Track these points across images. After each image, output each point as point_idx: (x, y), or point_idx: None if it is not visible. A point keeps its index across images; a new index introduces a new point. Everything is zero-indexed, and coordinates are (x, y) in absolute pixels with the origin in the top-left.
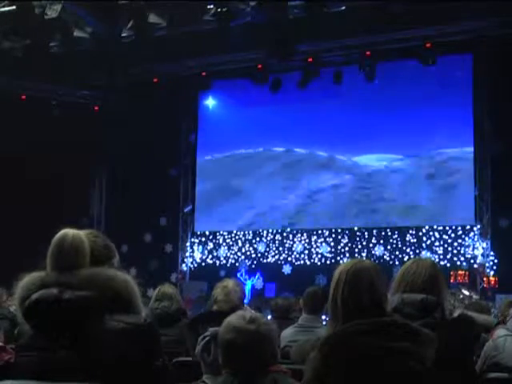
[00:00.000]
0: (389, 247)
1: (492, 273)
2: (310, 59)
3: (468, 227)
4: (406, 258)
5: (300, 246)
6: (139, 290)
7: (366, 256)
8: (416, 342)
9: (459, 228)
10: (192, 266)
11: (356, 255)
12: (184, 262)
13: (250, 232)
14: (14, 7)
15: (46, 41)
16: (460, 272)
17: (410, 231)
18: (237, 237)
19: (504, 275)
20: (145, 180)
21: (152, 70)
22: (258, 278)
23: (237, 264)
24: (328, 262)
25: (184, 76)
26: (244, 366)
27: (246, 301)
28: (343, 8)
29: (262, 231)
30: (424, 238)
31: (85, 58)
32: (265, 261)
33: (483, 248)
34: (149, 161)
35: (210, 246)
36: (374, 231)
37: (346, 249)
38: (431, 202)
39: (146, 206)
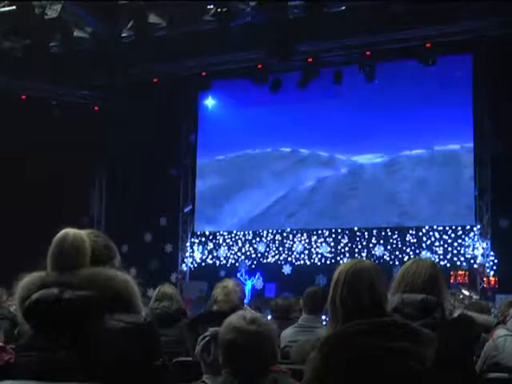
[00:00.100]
0: (389, 247)
1: (492, 273)
2: (310, 59)
3: (468, 227)
4: (406, 258)
5: (300, 246)
6: (139, 289)
7: (366, 256)
8: (416, 342)
9: (459, 228)
10: (192, 266)
11: (356, 255)
12: (184, 262)
13: (250, 232)
14: (13, 7)
15: (46, 41)
16: (460, 272)
17: (410, 231)
18: (237, 237)
19: (504, 275)
20: (145, 180)
21: (152, 70)
22: (258, 278)
23: (237, 264)
24: (328, 262)
25: (184, 76)
26: (244, 366)
27: (246, 301)
28: (343, 8)
29: (262, 231)
30: (424, 238)
31: (85, 58)
32: (265, 261)
33: (483, 248)
34: (149, 161)
35: (210, 246)
36: (374, 231)
37: (346, 249)
38: (431, 201)
39: (146, 205)
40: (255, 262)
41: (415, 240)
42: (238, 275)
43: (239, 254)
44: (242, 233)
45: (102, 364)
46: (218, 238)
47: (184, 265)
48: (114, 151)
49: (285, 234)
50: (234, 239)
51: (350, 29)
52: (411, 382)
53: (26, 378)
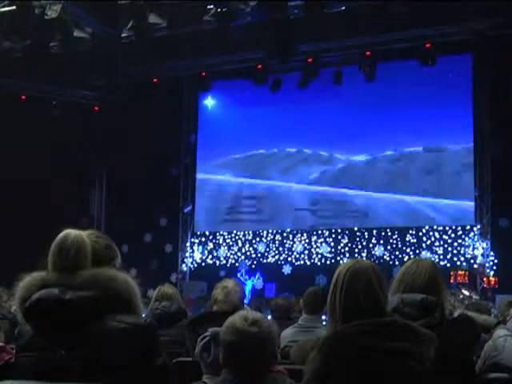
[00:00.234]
0: (389, 247)
1: (492, 273)
2: (309, 59)
3: (468, 227)
4: (406, 258)
5: (300, 246)
6: (140, 290)
7: (366, 256)
8: (416, 342)
9: (459, 228)
10: (192, 266)
11: (356, 255)
12: (184, 262)
13: (250, 232)
14: (14, 7)
15: (46, 41)
16: (460, 272)
17: (410, 231)
18: (237, 237)
19: (504, 275)
20: (145, 180)
21: (152, 70)
22: (258, 278)
23: (237, 264)
24: (328, 262)
25: (184, 76)
26: (244, 366)
27: (246, 301)
28: (343, 8)
29: (262, 231)
30: (424, 238)
31: (85, 58)
32: (265, 261)
33: (483, 248)
34: (149, 161)
35: (210, 246)
36: (374, 231)
37: (346, 249)
38: (431, 201)
39: (145, 205)
40: (255, 262)
41: (415, 240)
42: (238, 275)
43: (239, 254)
44: (242, 233)
45: (102, 364)
46: (217, 237)
47: (184, 265)
48: (113, 151)
49: (285, 234)
50: (233, 239)
51: (349, 29)
52: (411, 382)
53: (26, 378)
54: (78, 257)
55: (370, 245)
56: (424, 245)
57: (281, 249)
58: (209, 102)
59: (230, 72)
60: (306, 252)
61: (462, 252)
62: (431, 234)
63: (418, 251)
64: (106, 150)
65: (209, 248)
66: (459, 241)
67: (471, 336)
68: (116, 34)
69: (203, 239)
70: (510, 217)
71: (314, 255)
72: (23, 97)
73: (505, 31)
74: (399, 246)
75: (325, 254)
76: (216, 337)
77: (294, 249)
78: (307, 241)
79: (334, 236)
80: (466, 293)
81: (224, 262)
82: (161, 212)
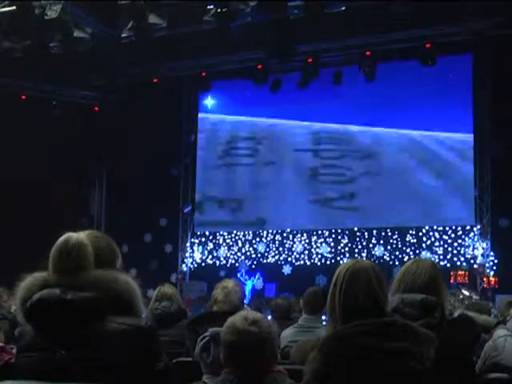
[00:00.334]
0: (389, 247)
1: (492, 273)
2: (309, 59)
3: (468, 227)
4: (406, 258)
5: (300, 247)
6: (140, 291)
7: (366, 256)
8: (416, 342)
9: (459, 228)
10: (192, 266)
11: (356, 255)
12: (184, 263)
13: (250, 232)
14: (14, 7)
15: (46, 41)
16: (460, 272)
17: (410, 231)
18: (237, 237)
19: (504, 275)
20: (145, 180)
21: (152, 70)
22: (258, 278)
23: (237, 264)
24: (328, 262)
25: (184, 76)
26: (244, 366)
27: (246, 301)
28: (343, 8)
29: (262, 231)
30: (424, 238)
31: (85, 58)
32: (265, 261)
33: (483, 248)
34: (149, 161)
35: (210, 246)
36: (374, 231)
37: (346, 249)
38: (431, 201)
39: (146, 205)
40: (255, 262)
41: (415, 240)
42: (238, 275)
43: (239, 254)
44: (242, 233)
45: (102, 365)
46: (217, 238)
47: (184, 265)
48: (113, 151)
49: (285, 234)
50: (233, 239)
51: (349, 29)
52: (411, 382)
53: (26, 379)
54: (79, 258)
55: (370, 245)
56: (424, 245)
57: (281, 249)
58: (209, 101)
59: (230, 72)
60: (306, 252)
61: (461, 252)
62: (431, 233)
63: (417, 251)
64: (106, 150)
65: (209, 248)
66: (459, 241)
67: (471, 336)
68: (116, 34)
69: (203, 239)
70: (510, 217)
71: (314, 255)
72: (23, 97)
73: (505, 31)
74: (399, 246)
75: (325, 254)
76: (216, 337)
77: (293, 249)
78: (307, 241)
79: (333, 236)
80: (466, 293)
81: (224, 262)
82: (161, 212)
